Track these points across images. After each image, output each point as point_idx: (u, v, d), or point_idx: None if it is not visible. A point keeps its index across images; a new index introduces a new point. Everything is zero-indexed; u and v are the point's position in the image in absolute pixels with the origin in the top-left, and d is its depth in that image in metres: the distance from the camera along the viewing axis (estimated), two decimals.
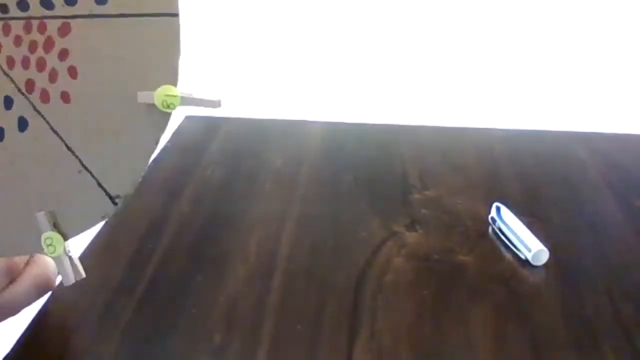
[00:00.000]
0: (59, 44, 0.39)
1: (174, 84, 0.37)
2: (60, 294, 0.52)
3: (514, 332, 0.49)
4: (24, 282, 0.47)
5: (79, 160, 0.39)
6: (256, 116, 0.82)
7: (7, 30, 0.40)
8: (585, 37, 0.81)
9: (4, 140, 0.41)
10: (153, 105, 0.37)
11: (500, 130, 0.79)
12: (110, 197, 0.39)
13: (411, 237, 0.59)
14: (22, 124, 0.40)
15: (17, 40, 0.40)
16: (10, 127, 0.40)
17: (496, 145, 0.75)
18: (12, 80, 0.40)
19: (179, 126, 0.80)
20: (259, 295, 0.52)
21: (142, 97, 0.37)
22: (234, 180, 0.68)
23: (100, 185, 0.39)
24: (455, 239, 0.59)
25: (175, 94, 0.37)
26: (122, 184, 0.39)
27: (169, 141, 0.76)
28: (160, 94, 0.37)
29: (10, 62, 0.40)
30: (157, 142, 0.38)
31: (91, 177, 0.39)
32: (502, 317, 0.50)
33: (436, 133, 0.79)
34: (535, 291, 0.53)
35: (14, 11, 0.40)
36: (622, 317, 0.50)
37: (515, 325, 0.49)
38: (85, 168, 0.39)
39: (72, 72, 0.39)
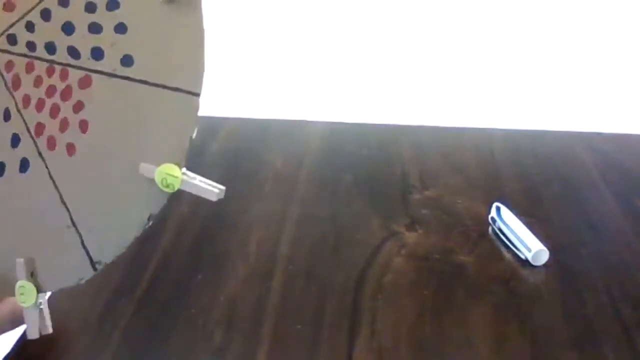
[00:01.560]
0: (77, 95, 0.38)
1: (180, 162, 0.36)
2: (60, 294, 0.52)
3: (514, 332, 0.49)
4: (1, 311, 0.45)
5: (70, 214, 0.39)
6: (256, 116, 0.82)
7: (30, 68, 0.39)
8: (585, 37, 0.81)
9: (3, 176, 0.40)
10: (153, 181, 0.36)
11: (500, 130, 0.79)
12: (91, 260, 0.38)
13: (411, 237, 0.59)
14: (24, 165, 0.40)
15: (37, 81, 0.39)
16: (12, 165, 0.40)
17: (496, 145, 0.75)
18: (24, 120, 0.40)
19: None
20: (259, 295, 0.52)
21: (144, 169, 0.36)
22: (234, 180, 0.68)
23: (83, 245, 0.38)
24: (455, 239, 0.59)
25: (176, 175, 0.36)
26: (105, 251, 0.38)
27: None
28: (162, 171, 0.36)
29: (26, 101, 0.40)
30: (150, 219, 0.37)
31: (77, 235, 0.39)
32: (502, 317, 0.50)
33: (436, 133, 0.79)
34: (535, 291, 0.53)
35: (40, 51, 0.39)
36: (622, 317, 0.50)
37: (515, 325, 0.49)
38: (74, 224, 0.39)
39: (83, 125, 0.38)
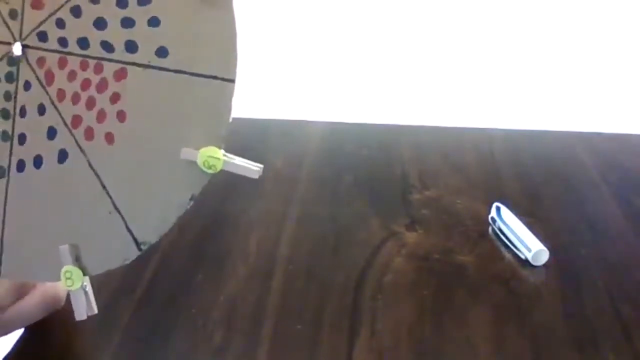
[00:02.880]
0: (113, 87, 0.39)
1: (219, 146, 0.38)
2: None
3: (514, 332, 0.49)
4: (33, 298, 0.47)
5: (112, 200, 0.40)
6: (256, 116, 0.82)
7: (63, 64, 0.40)
8: (585, 37, 0.81)
9: (42, 168, 0.41)
10: (194, 163, 0.37)
11: (500, 130, 0.79)
12: (136, 242, 0.40)
13: (411, 237, 0.59)
14: (62, 156, 0.40)
15: (71, 76, 0.40)
16: (50, 157, 0.41)
17: (496, 145, 0.75)
18: (59, 113, 0.40)
19: None
20: (259, 295, 0.52)
21: (186, 154, 0.38)
22: (234, 180, 0.68)
23: (128, 228, 0.40)
24: (455, 239, 0.59)
25: (219, 157, 0.37)
26: (149, 232, 0.39)
27: None
28: (203, 154, 0.37)
29: (61, 95, 0.40)
30: (192, 199, 0.39)
31: (121, 219, 0.40)
32: (502, 317, 0.50)
33: (436, 133, 0.79)
34: (535, 291, 0.53)
35: (72, 47, 0.40)
36: (622, 317, 0.50)
37: (515, 325, 0.49)
38: (117, 209, 0.40)
39: (121, 116, 0.39)
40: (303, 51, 0.86)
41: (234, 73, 0.38)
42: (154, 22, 0.38)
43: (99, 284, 0.53)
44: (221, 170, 0.38)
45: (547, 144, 0.76)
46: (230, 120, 0.38)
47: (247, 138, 0.78)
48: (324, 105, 0.85)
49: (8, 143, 0.42)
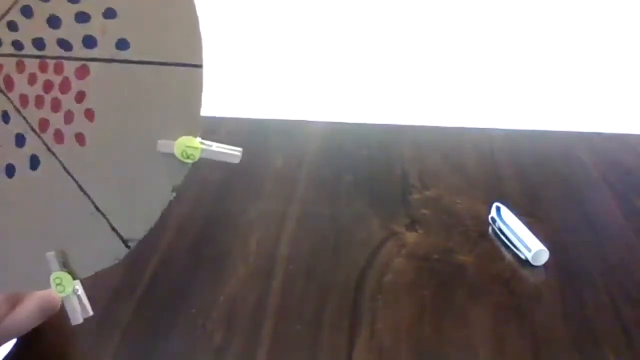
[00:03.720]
0: (76, 86, 0.38)
1: (195, 134, 0.37)
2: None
3: (514, 332, 0.49)
4: (28, 306, 0.47)
5: (92, 202, 0.39)
6: (256, 116, 0.82)
7: (21, 67, 0.39)
8: (585, 37, 0.81)
9: (14, 177, 0.40)
10: (172, 155, 0.37)
11: (500, 130, 0.79)
12: (123, 240, 0.39)
13: (411, 237, 0.59)
14: (34, 163, 0.40)
15: (32, 79, 0.39)
16: (21, 164, 0.40)
17: (496, 145, 0.75)
18: (25, 119, 0.39)
19: None
20: (259, 296, 0.52)
21: (162, 146, 0.37)
22: (234, 180, 0.68)
23: (113, 228, 0.39)
24: (455, 239, 0.59)
25: (196, 146, 0.37)
26: (135, 229, 0.39)
27: None
28: (180, 144, 0.37)
29: (24, 100, 0.39)
30: (174, 191, 0.38)
31: (104, 220, 0.39)
32: (502, 317, 0.50)
33: (436, 133, 0.79)
34: (535, 291, 0.53)
35: (29, 49, 0.39)
36: (622, 317, 0.50)
37: (515, 325, 0.49)
38: (98, 210, 0.39)
39: (89, 114, 0.38)
40: (303, 51, 0.86)
41: (201, 58, 0.37)
42: (110, 13, 0.37)
43: (99, 284, 0.53)
44: (203, 160, 0.37)
45: (547, 144, 0.76)
46: (202, 105, 0.37)
47: (247, 138, 0.78)
48: (324, 105, 0.85)
49: None
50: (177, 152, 0.37)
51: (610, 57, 0.82)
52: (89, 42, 0.38)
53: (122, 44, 0.37)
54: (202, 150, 0.37)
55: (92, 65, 0.38)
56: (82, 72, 0.38)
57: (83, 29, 0.38)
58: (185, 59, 0.37)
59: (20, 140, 0.40)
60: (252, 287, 0.53)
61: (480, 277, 0.54)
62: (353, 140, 0.77)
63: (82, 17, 0.38)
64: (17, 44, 0.39)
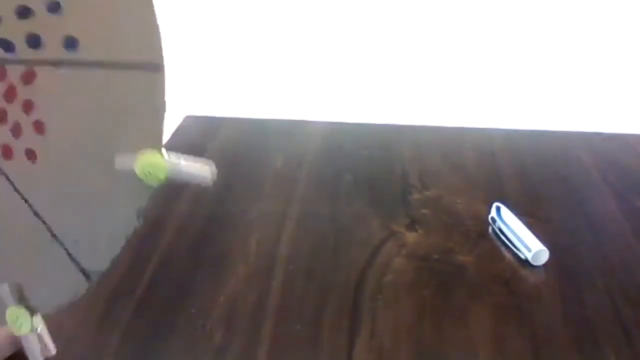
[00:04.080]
0: (23, 93, 0.33)
1: (158, 147, 0.32)
2: None
3: (514, 332, 0.49)
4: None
5: (47, 227, 0.35)
6: (256, 116, 0.82)
7: None
8: (585, 37, 0.81)
9: None
10: (133, 173, 0.32)
11: (500, 130, 0.79)
12: (84, 272, 0.35)
13: (411, 237, 0.59)
14: None
15: None
16: None
17: (496, 145, 0.75)
18: None
19: (179, 126, 0.80)
20: (259, 295, 0.52)
21: (122, 163, 0.32)
22: (234, 180, 0.68)
23: (71, 257, 0.35)
24: (455, 239, 0.59)
25: (160, 163, 0.32)
26: (97, 259, 0.35)
27: (168, 141, 0.76)
28: (143, 163, 0.32)
29: None
30: (139, 214, 0.33)
31: (62, 248, 0.35)
32: (502, 317, 0.50)
33: (436, 133, 0.79)
34: (535, 291, 0.53)
35: None
36: (622, 317, 0.50)
37: (515, 325, 0.49)
38: (55, 237, 0.34)
39: (39, 127, 0.33)
40: (303, 51, 0.86)
41: (161, 58, 0.32)
42: (54, 7, 0.32)
43: (99, 284, 0.53)
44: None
45: (547, 144, 0.76)
46: (165, 111, 0.32)
47: (247, 138, 0.78)
48: (324, 105, 0.85)
49: None
50: (138, 171, 0.32)
51: (610, 57, 0.82)
52: (34, 41, 0.32)
53: (70, 43, 0.32)
54: (169, 169, 0.32)
55: (38, 69, 0.33)
56: (28, 77, 0.33)
57: (26, 26, 0.32)
58: (143, 60, 0.32)
59: None
60: (252, 287, 0.53)
61: (480, 277, 0.54)
62: (353, 140, 0.77)
63: (24, 12, 0.32)
64: None
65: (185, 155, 0.33)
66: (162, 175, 0.32)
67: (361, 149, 0.75)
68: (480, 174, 0.70)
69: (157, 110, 0.32)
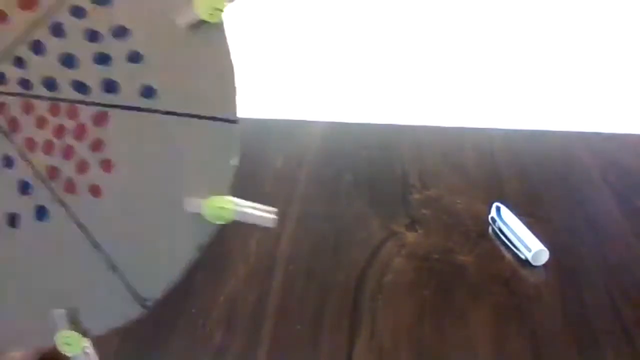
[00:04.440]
0: (93, 133, 0.34)
1: (224, 192, 0.34)
2: None
3: (514, 332, 0.49)
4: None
5: (107, 258, 0.36)
6: (256, 116, 0.82)
7: (28, 109, 0.35)
8: (585, 37, 0.81)
9: (19, 227, 0.36)
10: (199, 213, 0.34)
11: (500, 130, 0.79)
12: (139, 300, 0.36)
13: (411, 237, 0.59)
14: (41, 213, 0.36)
15: (41, 122, 0.35)
16: (27, 214, 0.36)
17: (496, 145, 0.75)
18: (31, 165, 0.35)
19: None
20: (259, 295, 0.52)
21: (191, 205, 0.34)
22: (234, 180, 0.68)
23: (129, 286, 0.36)
24: (455, 239, 0.59)
25: (228, 207, 0.34)
26: (153, 288, 0.36)
27: None
28: (211, 205, 0.34)
29: (30, 144, 0.35)
30: (199, 249, 0.35)
31: (119, 278, 0.36)
32: (502, 317, 0.50)
33: (436, 133, 0.79)
34: (535, 291, 0.53)
35: (38, 89, 0.34)
36: (622, 317, 0.50)
37: (515, 325, 0.49)
38: (114, 267, 0.36)
39: (106, 165, 0.34)
40: (303, 51, 0.86)
41: (235, 111, 0.33)
42: (134, 57, 0.33)
43: None
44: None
45: (547, 144, 0.76)
46: (237, 163, 0.34)
47: (247, 138, 0.78)
48: (324, 105, 0.85)
49: None
50: (207, 213, 0.34)
51: (609, 57, 0.82)
52: (110, 86, 0.34)
53: (147, 92, 0.33)
54: (235, 212, 0.34)
55: (112, 112, 0.34)
56: (101, 119, 0.34)
57: (103, 72, 0.33)
58: (218, 112, 0.33)
59: (25, 187, 0.36)
60: (252, 287, 0.53)
61: (480, 277, 0.54)
62: (353, 140, 0.77)
63: (103, 59, 0.33)
64: (24, 83, 0.35)
65: (249, 202, 0.35)
66: (229, 217, 0.34)
67: (361, 149, 0.75)
68: (480, 174, 0.70)
69: (227, 160, 0.34)
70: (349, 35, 0.84)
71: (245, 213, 0.34)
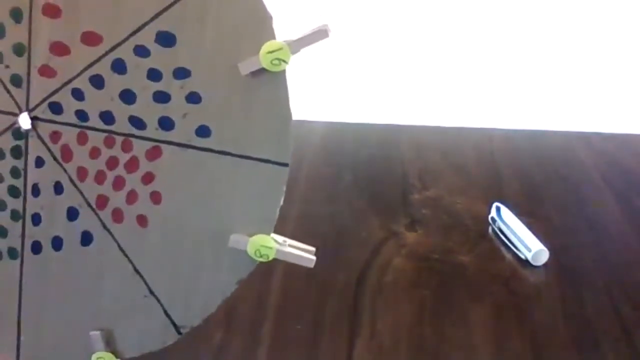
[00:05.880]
0: (145, 166, 0.35)
1: (268, 232, 0.35)
2: None
3: (514, 332, 0.49)
4: None
5: (147, 285, 0.37)
6: None
7: (82, 139, 0.36)
8: (585, 37, 0.81)
9: (62, 250, 0.37)
10: (242, 251, 0.35)
11: (500, 130, 0.79)
12: (175, 326, 0.37)
13: (411, 237, 0.59)
14: (86, 239, 0.37)
15: (94, 153, 0.36)
16: (71, 238, 0.37)
17: (496, 145, 0.75)
18: (81, 193, 0.36)
19: None
20: (259, 295, 0.52)
21: (235, 242, 0.35)
22: None
23: (166, 313, 0.37)
24: (455, 239, 0.59)
25: (271, 246, 0.34)
26: (190, 317, 0.37)
27: None
28: (255, 243, 0.34)
29: (82, 173, 0.36)
30: (238, 283, 0.36)
31: (157, 304, 0.37)
32: (502, 317, 0.50)
33: (436, 133, 0.79)
34: (535, 291, 0.53)
35: (94, 121, 0.35)
36: (622, 317, 0.50)
37: (515, 325, 0.49)
38: (153, 294, 0.37)
39: (156, 197, 0.36)
40: (303, 51, 0.86)
41: (288, 157, 0.34)
42: (193, 98, 0.34)
43: None
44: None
45: (547, 144, 0.76)
46: (281, 204, 0.35)
47: None
48: (324, 105, 0.85)
49: (19, 223, 0.38)
50: (250, 250, 0.35)
51: (609, 57, 0.82)
52: (166, 123, 0.34)
53: (202, 131, 0.34)
54: (277, 251, 0.35)
55: (165, 148, 0.35)
56: (154, 154, 0.35)
57: (161, 110, 0.34)
58: (271, 155, 0.34)
59: (72, 213, 0.37)
60: (252, 287, 0.53)
61: (480, 277, 0.54)
62: (353, 140, 0.77)
63: (161, 97, 0.34)
64: (81, 115, 0.36)
65: (290, 241, 0.36)
66: (271, 255, 0.35)
67: (361, 148, 0.75)
68: (480, 174, 0.70)
69: (274, 201, 0.35)
70: (349, 35, 0.84)
71: (286, 253, 0.35)
